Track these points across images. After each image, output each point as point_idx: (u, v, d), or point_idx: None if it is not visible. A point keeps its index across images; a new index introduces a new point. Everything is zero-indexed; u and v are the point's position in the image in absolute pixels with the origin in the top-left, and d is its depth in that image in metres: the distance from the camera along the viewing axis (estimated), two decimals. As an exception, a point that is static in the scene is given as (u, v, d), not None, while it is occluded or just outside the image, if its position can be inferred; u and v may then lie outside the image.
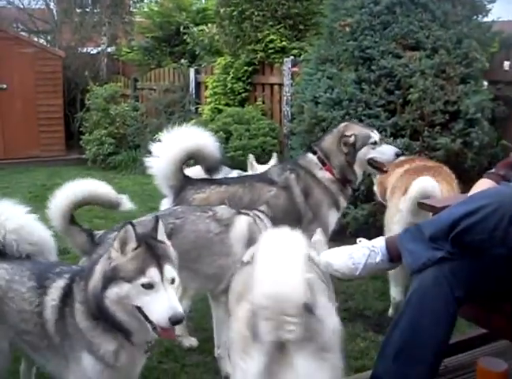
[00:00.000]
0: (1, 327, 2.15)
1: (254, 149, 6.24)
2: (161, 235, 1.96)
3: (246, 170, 4.17)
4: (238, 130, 6.40)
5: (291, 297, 1.54)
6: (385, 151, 3.18)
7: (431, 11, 4.62)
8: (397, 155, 3.19)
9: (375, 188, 3.95)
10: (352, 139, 3.13)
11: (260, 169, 3.87)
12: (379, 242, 2.11)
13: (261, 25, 6.82)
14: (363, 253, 2.09)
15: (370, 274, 2.19)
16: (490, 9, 4.94)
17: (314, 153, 3.24)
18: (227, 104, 7.27)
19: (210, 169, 3.16)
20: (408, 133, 4.45)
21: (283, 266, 1.56)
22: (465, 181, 3.05)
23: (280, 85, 6.73)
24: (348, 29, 4.79)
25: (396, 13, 4.63)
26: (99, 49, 11.22)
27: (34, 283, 2.08)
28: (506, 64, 4.84)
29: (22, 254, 2.28)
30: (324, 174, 3.19)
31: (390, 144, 3.68)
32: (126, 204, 2.70)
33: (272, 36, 6.79)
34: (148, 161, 3.03)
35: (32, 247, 2.30)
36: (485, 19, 4.96)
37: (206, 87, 7.95)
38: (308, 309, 1.61)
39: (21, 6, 11.54)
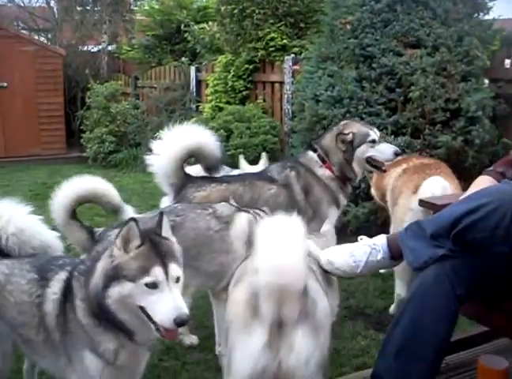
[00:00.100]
0: (1, 324, 2.12)
1: (254, 147, 6.24)
2: (166, 231, 1.89)
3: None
4: (238, 128, 6.40)
5: (294, 273, 1.66)
6: (384, 150, 3.17)
7: (431, 9, 4.62)
8: (396, 154, 3.18)
9: (372, 191, 3.95)
10: (349, 137, 3.13)
11: (249, 170, 3.89)
12: (380, 240, 2.11)
13: (261, 23, 6.82)
14: (365, 250, 2.09)
15: (371, 272, 2.20)
16: (491, 7, 4.92)
17: (315, 151, 3.24)
18: (227, 102, 7.27)
19: (210, 167, 3.16)
20: (408, 131, 4.44)
21: (285, 245, 1.66)
22: (466, 179, 3.04)
23: (281, 83, 6.73)
24: (348, 27, 4.79)
25: (397, 11, 4.63)
26: (100, 47, 11.22)
27: (35, 275, 2.03)
28: (507, 62, 4.83)
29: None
30: (324, 172, 3.18)
31: (391, 142, 3.68)
32: (128, 212, 2.63)
33: (273, 34, 6.78)
34: (149, 159, 3.03)
35: (34, 251, 2.23)
36: (486, 17, 4.95)
37: (207, 85, 7.95)
38: (304, 291, 1.75)
39: (22, 4, 11.55)
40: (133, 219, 1.82)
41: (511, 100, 4.72)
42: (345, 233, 4.08)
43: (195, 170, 3.36)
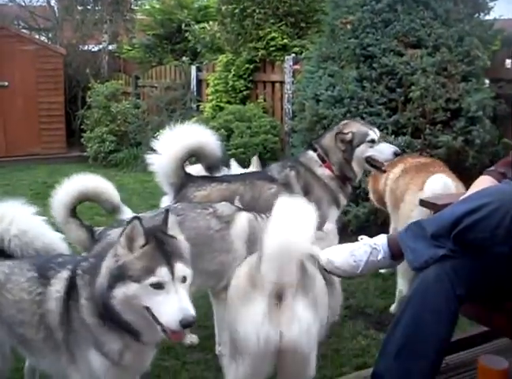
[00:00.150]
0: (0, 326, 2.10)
1: (255, 147, 6.25)
2: (173, 229, 1.84)
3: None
4: (239, 128, 6.40)
5: (296, 238, 1.79)
6: (383, 150, 3.17)
7: (432, 9, 4.62)
8: (396, 155, 3.19)
9: (370, 195, 3.96)
10: (348, 136, 3.14)
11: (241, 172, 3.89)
12: (381, 240, 2.11)
13: (262, 23, 6.81)
14: (365, 250, 2.09)
15: (371, 271, 2.20)
16: (492, 7, 4.92)
17: (315, 150, 3.24)
18: (228, 102, 7.27)
19: (211, 167, 3.16)
20: (409, 131, 4.44)
21: (294, 217, 1.80)
22: (467, 179, 3.04)
23: (282, 83, 6.72)
24: (349, 27, 4.79)
25: (397, 11, 4.63)
26: (101, 46, 11.21)
27: (34, 273, 2.00)
28: (508, 62, 4.83)
29: None
30: (323, 171, 3.19)
31: (391, 142, 3.68)
32: (126, 213, 2.63)
33: (273, 34, 6.78)
34: (149, 158, 3.03)
35: (37, 252, 2.19)
36: (487, 17, 4.95)
37: (207, 84, 7.95)
38: (302, 267, 1.89)
39: (23, 4, 11.54)
40: (137, 217, 1.78)
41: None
42: (346, 232, 4.07)
43: (196, 169, 3.36)
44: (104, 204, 2.60)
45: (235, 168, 4.09)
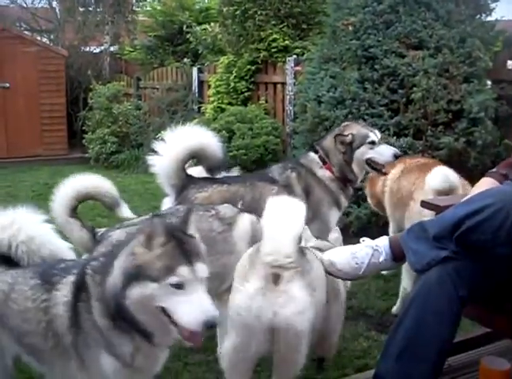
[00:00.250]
0: (3, 337, 2.06)
1: (256, 148, 6.25)
2: (191, 229, 1.79)
3: (249, 170, 4.19)
4: (241, 129, 6.40)
5: (291, 223, 1.95)
6: (383, 152, 3.17)
7: (434, 10, 4.62)
8: (396, 156, 3.18)
9: (368, 199, 3.95)
10: (348, 138, 3.14)
11: None
12: (383, 242, 2.11)
13: (264, 24, 6.82)
14: (367, 252, 2.09)
15: (373, 273, 2.19)
16: (493, 9, 4.93)
17: (316, 152, 3.25)
18: (230, 103, 7.28)
19: (212, 168, 3.16)
20: (411, 133, 4.44)
21: (287, 213, 1.98)
22: (468, 180, 3.04)
23: (283, 84, 6.73)
24: (351, 28, 4.79)
25: (399, 12, 4.63)
26: (102, 48, 11.23)
27: (38, 280, 1.95)
28: (510, 63, 4.83)
29: None
30: (324, 173, 3.19)
31: (393, 144, 3.68)
32: (125, 210, 2.63)
33: (275, 35, 6.79)
34: (151, 160, 3.03)
35: (43, 260, 2.14)
36: (488, 18, 4.95)
37: (209, 86, 7.95)
38: (302, 252, 2.06)
39: (24, 5, 11.55)
40: (157, 214, 1.74)
41: (513, 101, 4.72)
42: (347, 234, 4.07)
43: (196, 171, 3.35)
44: (104, 200, 2.59)
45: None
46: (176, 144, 3.00)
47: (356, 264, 2.08)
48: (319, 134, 4.56)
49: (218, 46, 8.38)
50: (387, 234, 2.23)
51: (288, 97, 6.54)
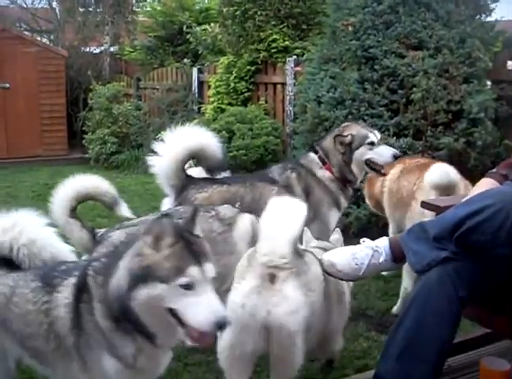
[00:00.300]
0: (6, 341, 2.05)
1: (256, 149, 6.25)
2: (197, 229, 1.78)
3: (249, 171, 4.19)
4: (240, 130, 6.40)
5: (287, 224, 2.00)
6: (383, 153, 3.17)
7: (434, 10, 4.62)
8: (395, 157, 3.18)
9: (367, 200, 3.95)
10: (347, 138, 3.14)
11: None
12: (383, 242, 2.11)
13: (263, 25, 6.82)
14: (367, 253, 2.09)
15: (373, 274, 2.19)
16: (493, 9, 4.93)
17: (316, 152, 3.25)
18: (229, 104, 7.28)
19: (212, 169, 3.16)
20: (411, 133, 4.44)
21: (285, 211, 2.05)
22: (468, 180, 3.04)
23: (283, 85, 6.73)
24: (350, 29, 4.79)
25: (399, 13, 4.63)
26: (102, 48, 11.22)
27: (38, 283, 1.94)
28: (510, 63, 4.84)
29: None
30: (324, 173, 3.19)
31: (393, 144, 3.68)
32: (124, 209, 2.64)
33: (275, 36, 6.79)
34: (151, 160, 3.03)
35: (44, 264, 2.13)
36: (488, 18, 4.95)
37: (209, 86, 7.96)
38: (299, 253, 2.10)
39: (24, 6, 11.53)
40: (166, 214, 1.71)
41: (513, 102, 4.72)
42: (347, 235, 4.06)
43: (197, 171, 3.36)
44: (104, 200, 2.60)
45: None
46: (176, 144, 3.00)
47: (356, 264, 2.08)
48: (319, 135, 4.56)
49: (218, 47, 8.39)
50: (387, 235, 2.23)
51: (287, 97, 6.54)
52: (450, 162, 3.81)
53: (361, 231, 4.17)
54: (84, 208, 2.54)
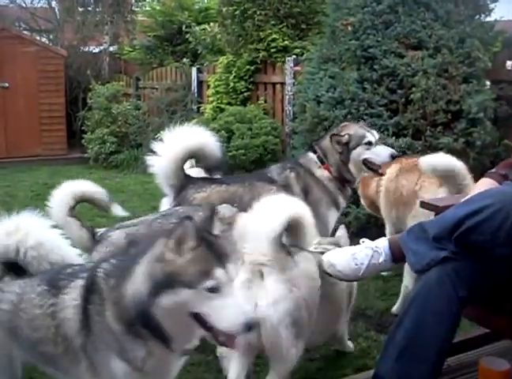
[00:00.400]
0: (15, 348, 2.02)
1: (255, 148, 6.25)
2: (216, 229, 1.74)
3: (248, 170, 4.19)
4: (240, 129, 6.40)
5: (267, 225, 2.09)
6: (380, 153, 3.16)
7: (433, 10, 4.62)
8: (393, 157, 3.18)
9: (362, 201, 3.95)
10: (345, 138, 3.14)
11: None
12: (382, 243, 2.11)
13: (263, 24, 6.82)
14: (366, 253, 2.09)
15: (372, 274, 2.20)
16: (492, 9, 4.93)
17: (315, 152, 3.25)
18: (229, 103, 7.28)
19: (211, 168, 3.16)
20: (410, 133, 4.44)
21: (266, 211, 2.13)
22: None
23: (283, 84, 6.73)
24: (350, 28, 4.79)
25: (398, 13, 4.63)
26: (102, 48, 11.22)
27: (45, 286, 1.90)
28: (509, 63, 4.84)
29: None
30: (322, 173, 3.19)
31: (392, 144, 3.68)
32: (118, 209, 2.66)
33: (274, 35, 6.79)
34: (150, 160, 3.03)
35: (51, 266, 2.09)
36: (488, 18, 4.96)
37: (208, 86, 7.95)
38: (287, 251, 2.16)
39: (24, 5, 11.53)
40: (188, 217, 1.65)
41: (513, 102, 4.72)
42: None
43: (197, 171, 3.35)
44: (98, 205, 2.63)
45: None
46: (175, 144, 3.00)
47: (356, 265, 2.09)
48: (318, 134, 4.56)
49: (217, 46, 8.38)
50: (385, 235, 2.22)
51: (287, 97, 6.54)
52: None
53: (360, 231, 4.17)
54: (82, 207, 2.54)
